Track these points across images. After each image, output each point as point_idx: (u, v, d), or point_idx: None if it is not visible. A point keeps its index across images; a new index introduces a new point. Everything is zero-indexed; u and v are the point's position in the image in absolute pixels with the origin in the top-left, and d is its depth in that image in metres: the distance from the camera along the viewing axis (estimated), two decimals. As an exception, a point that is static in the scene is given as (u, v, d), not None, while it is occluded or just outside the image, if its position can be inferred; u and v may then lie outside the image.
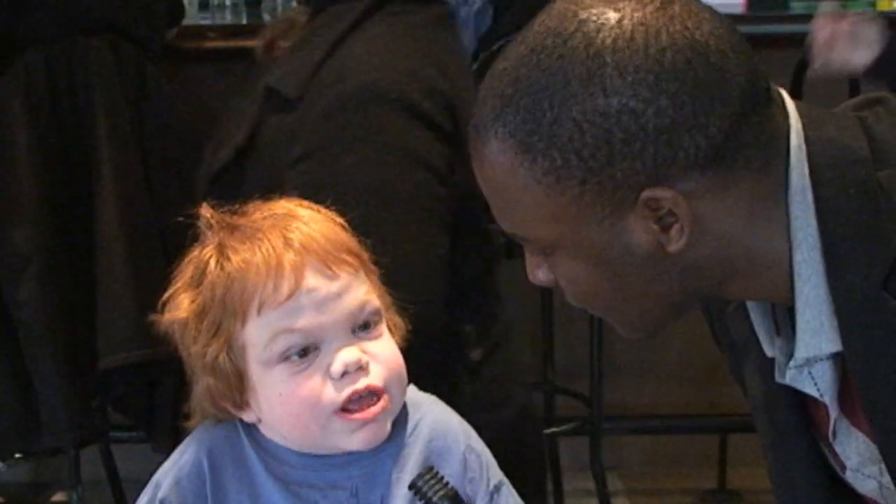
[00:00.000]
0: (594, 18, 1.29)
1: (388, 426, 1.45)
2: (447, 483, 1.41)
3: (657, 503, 3.51)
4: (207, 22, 3.76)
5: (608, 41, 1.28)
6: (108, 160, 2.84)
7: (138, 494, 1.51)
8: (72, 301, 2.87)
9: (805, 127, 1.34)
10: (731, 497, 3.46)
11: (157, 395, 2.98)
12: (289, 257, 1.41)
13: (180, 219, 1.48)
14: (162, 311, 1.46)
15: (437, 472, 1.41)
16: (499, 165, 1.33)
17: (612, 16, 1.29)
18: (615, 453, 3.47)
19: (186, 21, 3.36)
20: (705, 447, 3.51)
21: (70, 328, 2.87)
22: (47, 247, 2.84)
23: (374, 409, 1.42)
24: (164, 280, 1.49)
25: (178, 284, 1.46)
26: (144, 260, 2.84)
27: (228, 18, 3.84)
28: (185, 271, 1.46)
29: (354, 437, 1.43)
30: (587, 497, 3.32)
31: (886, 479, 1.40)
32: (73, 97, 2.85)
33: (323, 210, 1.49)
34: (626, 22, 1.28)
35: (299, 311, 1.40)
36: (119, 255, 2.83)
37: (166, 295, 1.46)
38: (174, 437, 1.55)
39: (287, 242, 1.42)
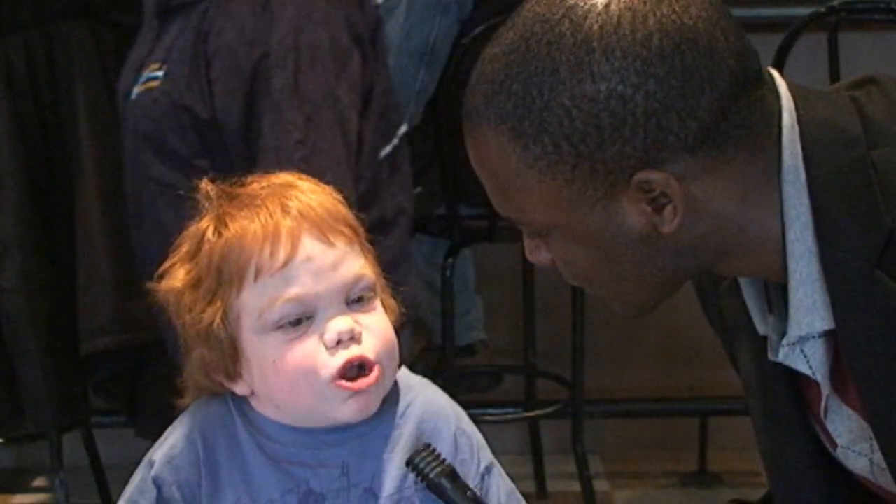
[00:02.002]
0: (581, 4, 1.30)
1: (379, 399, 1.45)
2: (444, 460, 1.42)
3: (638, 485, 3.52)
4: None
5: (595, 27, 1.29)
6: (88, 146, 2.83)
7: (120, 480, 1.52)
8: (53, 287, 2.86)
9: (798, 107, 1.35)
10: (712, 479, 3.47)
11: (140, 380, 2.98)
12: (286, 224, 1.42)
13: (180, 193, 1.49)
14: (158, 284, 1.47)
15: (434, 450, 1.42)
16: (491, 151, 1.34)
17: (600, 1, 1.30)
18: (596, 436, 3.48)
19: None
20: (686, 430, 3.52)
21: (52, 314, 2.86)
22: (29, 233, 2.83)
23: (367, 380, 1.42)
24: (145, 265, 1.50)
25: (175, 258, 1.47)
26: (125, 245, 2.83)
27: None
28: (183, 245, 1.47)
29: (346, 407, 1.43)
30: (569, 480, 3.33)
31: (877, 455, 1.41)
32: (54, 83, 2.84)
33: (321, 184, 1.50)
34: (612, 7, 1.29)
35: (295, 279, 1.41)
36: (99, 239, 2.83)
37: (163, 268, 1.47)
38: (156, 422, 1.55)
39: (285, 209, 1.43)
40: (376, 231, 1.51)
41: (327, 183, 1.49)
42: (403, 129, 2.43)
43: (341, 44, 2.21)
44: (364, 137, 2.27)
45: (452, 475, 1.41)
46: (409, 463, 1.42)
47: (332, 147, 2.19)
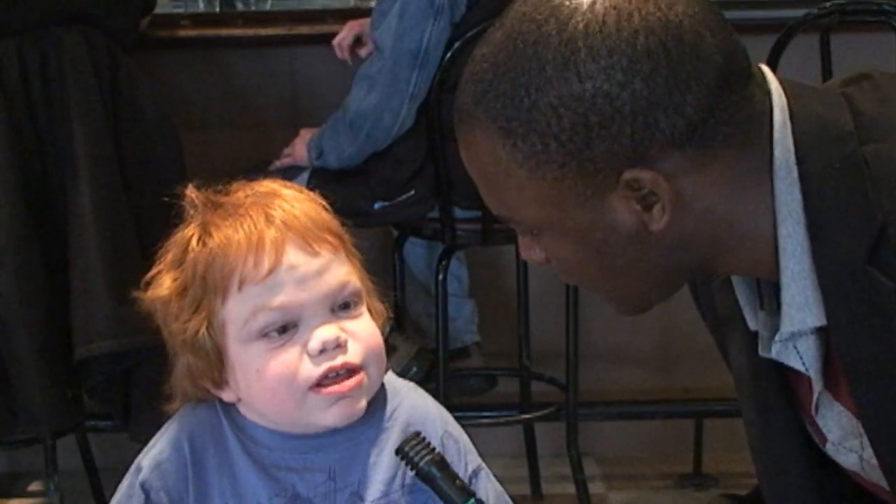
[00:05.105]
0: (567, 3, 1.31)
1: (364, 403, 1.45)
2: (434, 448, 1.42)
3: (634, 488, 3.52)
4: (180, 10, 3.75)
5: (580, 26, 1.29)
6: (81, 150, 2.83)
7: (115, 484, 1.51)
8: (48, 292, 2.86)
9: (790, 103, 1.35)
10: (707, 480, 3.47)
11: (134, 384, 2.98)
12: (270, 234, 1.42)
13: (165, 199, 1.48)
14: (144, 291, 1.47)
15: (423, 438, 1.42)
16: (481, 150, 1.35)
17: (585, 0, 1.30)
18: (591, 439, 3.48)
19: (160, 10, 3.35)
20: (681, 432, 3.52)
21: (46, 318, 2.86)
22: (22, 237, 2.83)
23: (349, 383, 1.42)
24: (139, 269, 1.50)
25: (161, 265, 1.47)
26: (119, 249, 2.83)
27: (201, 7, 3.83)
28: (168, 252, 1.47)
29: (330, 413, 1.43)
30: (564, 482, 3.33)
31: (868, 452, 1.41)
32: (47, 88, 2.84)
33: (305, 191, 1.50)
34: (598, 6, 1.30)
35: (280, 288, 1.41)
36: (93, 244, 2.82)
37: (149, 275, 1.47)
38: (151, 426, 1.55)
39: (269, 219, 1.43)
40: None
41: None
42: None
43: None
44: None
45: (442, 463, 1.41)
46: (398, 451, 1.42)
47: None
